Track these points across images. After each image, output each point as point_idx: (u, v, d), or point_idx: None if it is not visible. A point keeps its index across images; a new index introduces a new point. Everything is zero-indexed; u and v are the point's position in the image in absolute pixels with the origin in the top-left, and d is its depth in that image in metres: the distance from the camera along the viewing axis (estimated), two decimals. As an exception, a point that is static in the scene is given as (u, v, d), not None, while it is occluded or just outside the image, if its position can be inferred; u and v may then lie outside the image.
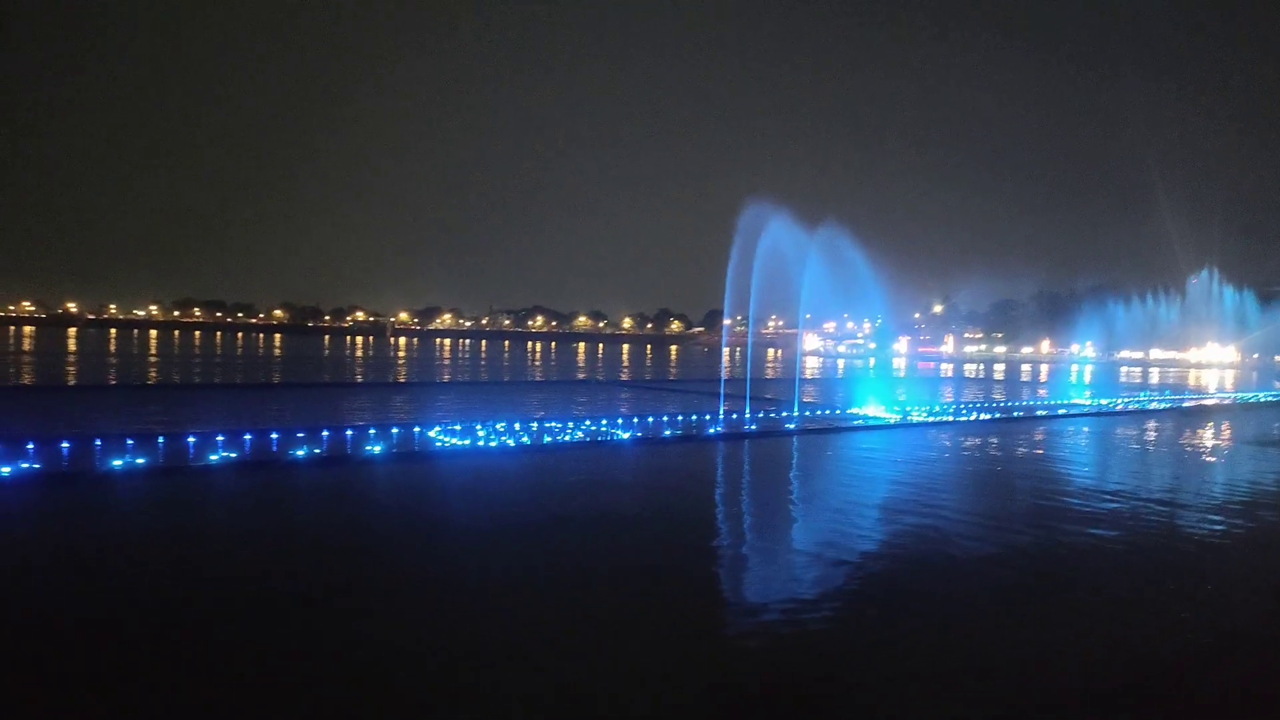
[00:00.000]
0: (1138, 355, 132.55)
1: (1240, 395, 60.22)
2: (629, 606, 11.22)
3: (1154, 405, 48.55)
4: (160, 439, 21.13)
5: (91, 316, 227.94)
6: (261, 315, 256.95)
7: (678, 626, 10.51)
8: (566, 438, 25.81)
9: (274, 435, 22.32)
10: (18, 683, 8.43)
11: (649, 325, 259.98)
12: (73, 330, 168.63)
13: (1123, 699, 8.81)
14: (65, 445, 19.40)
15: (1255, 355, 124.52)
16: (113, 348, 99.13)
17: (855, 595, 12.07)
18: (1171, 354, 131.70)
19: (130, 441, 19.98)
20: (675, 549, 14.27)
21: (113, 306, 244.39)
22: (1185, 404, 51.04)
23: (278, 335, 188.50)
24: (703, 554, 14.24)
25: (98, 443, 20.12)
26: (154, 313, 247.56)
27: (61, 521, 15.25)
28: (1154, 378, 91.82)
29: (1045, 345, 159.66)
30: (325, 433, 22.81)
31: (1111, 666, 9.63)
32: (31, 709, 7.96)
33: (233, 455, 20.31)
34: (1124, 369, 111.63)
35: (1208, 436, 35.70)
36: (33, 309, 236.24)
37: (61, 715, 7.96)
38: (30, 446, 18.66)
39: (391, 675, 8.77)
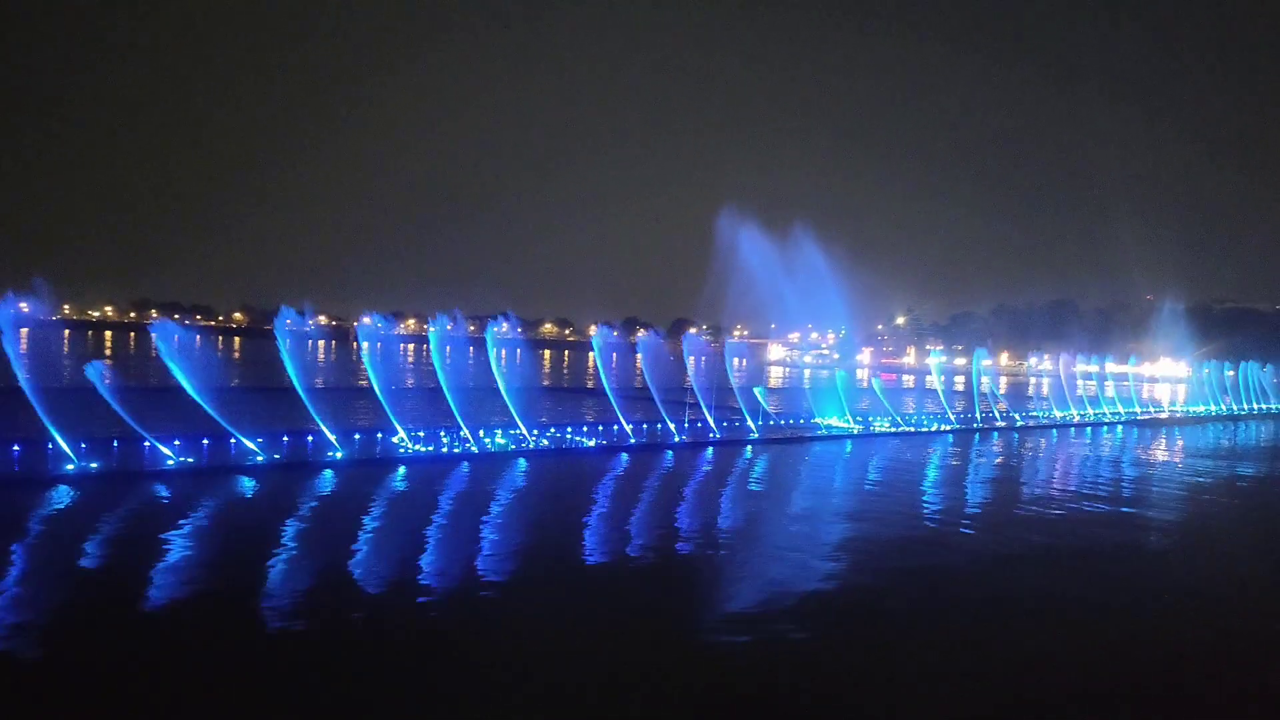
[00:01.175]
0: (1092, 369, 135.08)
1: (1190, 409, 61.90)
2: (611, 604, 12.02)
3: (1108, 419, 49.54)
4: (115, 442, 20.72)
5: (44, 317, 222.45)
6: (220, 318, 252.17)
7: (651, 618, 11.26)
8: (531, 445, 25.73)
9: (231, 440, 21.97)
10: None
11: (615, 333, 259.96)
12: (24, 331, 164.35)
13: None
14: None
15: (1206, 370, 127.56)
16: (65, 349, 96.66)
17: (805, 579, 12.77)
18: (1125, 368, 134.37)
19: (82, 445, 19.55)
20: (643, 549, 14.83)
21: (66, 307, 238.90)
22: (1140, 417, 52.16)
23: (237, 338, 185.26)
24: (668, 550, 14.93)
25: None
26: (109, 314, 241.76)
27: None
28: (1109, 391, 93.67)
29: (1004, 358, 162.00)
30: (285, 438, 22.52)
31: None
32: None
33: (190, 460, 20.00)
34: (1080, 382, 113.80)
35: (1160, 447, 36.72)
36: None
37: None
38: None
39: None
